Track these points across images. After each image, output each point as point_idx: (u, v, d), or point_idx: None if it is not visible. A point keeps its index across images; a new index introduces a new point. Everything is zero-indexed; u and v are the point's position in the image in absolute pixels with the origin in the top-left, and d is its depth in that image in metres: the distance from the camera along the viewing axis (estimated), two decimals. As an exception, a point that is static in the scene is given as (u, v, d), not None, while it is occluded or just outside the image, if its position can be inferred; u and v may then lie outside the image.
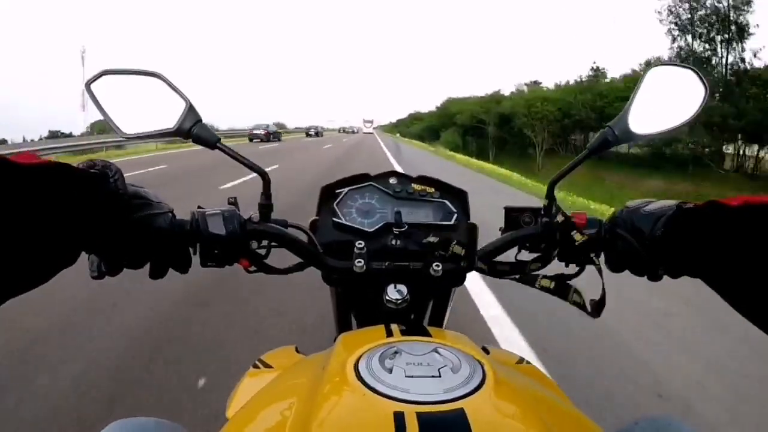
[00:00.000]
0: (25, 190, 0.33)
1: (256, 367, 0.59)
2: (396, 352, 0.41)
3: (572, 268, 0.58)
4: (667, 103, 0.56)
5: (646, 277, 0.52)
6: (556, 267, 0.59)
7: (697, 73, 0.57)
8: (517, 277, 0.58)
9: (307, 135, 43.91)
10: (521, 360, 0.60)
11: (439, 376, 0.38)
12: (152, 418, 0.54)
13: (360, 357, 0.41)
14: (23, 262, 0.34)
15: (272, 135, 28.60)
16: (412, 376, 0.38)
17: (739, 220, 0.40)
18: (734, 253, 0.41)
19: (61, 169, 0.36)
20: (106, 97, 0.51)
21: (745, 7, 21.29)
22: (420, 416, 0.33)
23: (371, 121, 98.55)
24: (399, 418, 0.33)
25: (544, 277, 0.55)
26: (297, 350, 0.65)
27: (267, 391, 0.47)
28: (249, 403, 0.47)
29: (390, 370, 0.39)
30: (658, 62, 0.57)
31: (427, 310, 0.67)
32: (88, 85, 0.50)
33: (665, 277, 0.51)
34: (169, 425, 0.55)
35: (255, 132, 28.49)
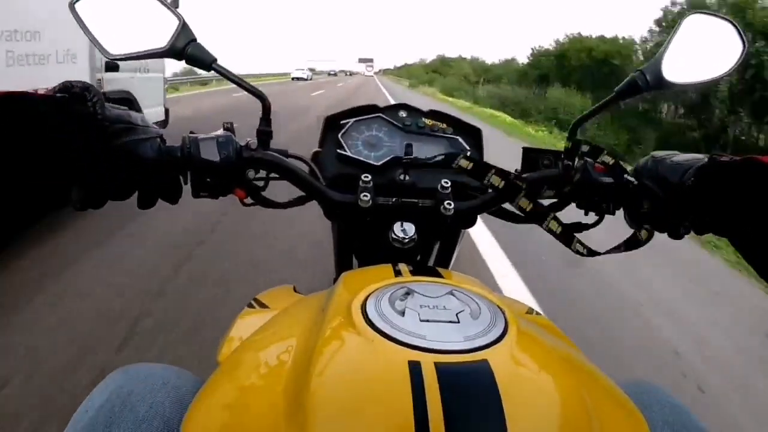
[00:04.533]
0: None
1: (251, 306, 0.54)
2: (407, 293, 0.37)
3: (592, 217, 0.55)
4: (703, 54, 0.53)
5: (666, 234, 0.49)
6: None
7: (736, 27, 0.54)
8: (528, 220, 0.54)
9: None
10: (531, 310, 0.56)
11: (458, 322, 0.34)
12: (158, 364, 0.50)
13: (367, 297, 0.36)
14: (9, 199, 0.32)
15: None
16: (427, 321, 0.33)
17: None
18: (766, 213, 0.38)
19: (18, 99, 0.34)
20: (92, 18, 0.47)
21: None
22: (439, 367, 0.29)
23: (371, 62, 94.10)
24: (415, 369, 0.28)
25: (554, 219, 0.51)
26: (295, 290, 0.61)
27: (262, 333, 0.43)
28: (242, 346, 0.43)
29: (402, 313, 0.34)
30: (696, 10, 0.53)
31: (433, 251, 0.63)
32: (72, 5, 0.47)
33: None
34: (176, 371, 0.51)
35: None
